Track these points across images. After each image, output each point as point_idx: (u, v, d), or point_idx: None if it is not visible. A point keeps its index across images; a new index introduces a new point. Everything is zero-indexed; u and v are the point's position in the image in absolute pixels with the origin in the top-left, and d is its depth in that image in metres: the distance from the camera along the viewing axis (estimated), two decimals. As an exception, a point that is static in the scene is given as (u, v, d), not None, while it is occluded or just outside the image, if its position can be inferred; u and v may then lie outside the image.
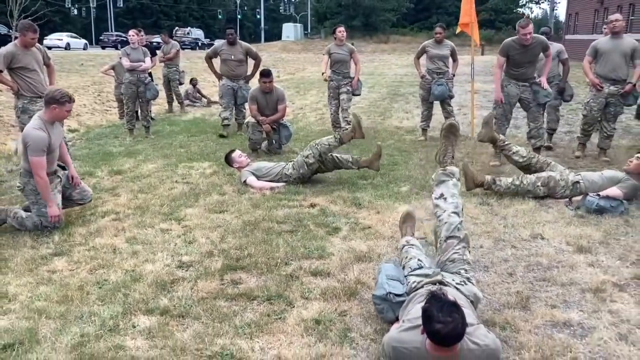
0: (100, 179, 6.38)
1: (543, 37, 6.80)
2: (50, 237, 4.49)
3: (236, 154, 6.14)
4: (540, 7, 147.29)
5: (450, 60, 8.55)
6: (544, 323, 3.13)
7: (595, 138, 7.40)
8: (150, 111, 9.82)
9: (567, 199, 5.24)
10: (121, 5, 59.26)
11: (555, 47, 7.60)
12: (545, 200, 5.32)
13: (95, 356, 2.79)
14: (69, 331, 3.03)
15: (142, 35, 9.67)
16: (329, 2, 50.36)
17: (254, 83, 8.43)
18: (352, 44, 9.48)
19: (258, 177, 5.96)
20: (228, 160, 6.18)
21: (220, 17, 67.01)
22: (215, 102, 11.87)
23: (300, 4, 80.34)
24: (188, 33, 55.26)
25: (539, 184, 5.33)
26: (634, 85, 6.80)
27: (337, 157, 6.03)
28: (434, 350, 2.51)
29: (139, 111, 9.30)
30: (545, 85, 6.77)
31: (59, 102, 4.60)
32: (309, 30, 56.69)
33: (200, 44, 48.19)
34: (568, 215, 4.95)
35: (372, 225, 4.73)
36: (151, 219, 4.93)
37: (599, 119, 7.06)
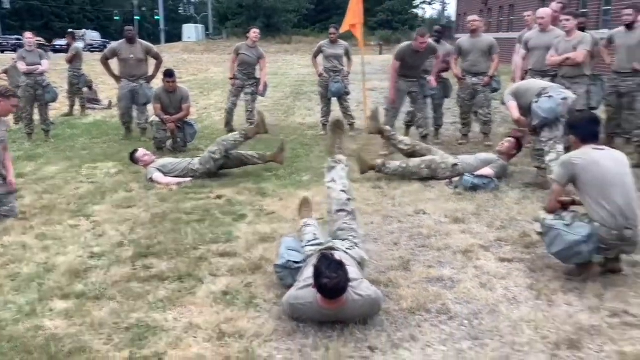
0: (1, 183, 6.31)
1: (433, 44, 7.50)
2: (-45, 238, 4.51)
3: (140, 152, 6.33)
4: (433, 8, 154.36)
5: (345, 59, 9.12)
6: (421, 280, 3.66)
7: (476, 127, 8.25)
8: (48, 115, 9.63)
9: (447, 180, 5.90)
10: (7, 6, 55.75)
11: (447, 47, 8.38)
12: (429, 182, 5.96)
13: (15, 337, 2.98)
14: (-15, 319, 3.18)
15: (37, 39, 9.50)
16: (229, 2, 50.17)
17: (155, 84, 8.60)
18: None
19: (164, 174, 6.17)
20: (133, 159, 6.36)
21: (117, 18, 64.76)
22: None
23: (200, 5, 79.30)
24: (83, 35, 53.05)
25: (423, 166, 5.96)
26: (492, 77, 7.70)
27: (243, 154, 6.38)
28: (324, 303, 2.95)
29: (39, 115, 9.12)
30: (433, 83, 7.55)
31: (4, 96, 4.69)
32: (211, 31, 56.15)
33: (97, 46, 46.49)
34: (448, 193, 5.60)
35: (276, 211, 5.12)
36: (59, 216, 5.04)
37: (474, 108, 7.91)
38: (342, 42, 9.08)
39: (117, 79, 8.78)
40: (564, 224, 3.44)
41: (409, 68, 7.37)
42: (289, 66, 27.05)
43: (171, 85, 7.66)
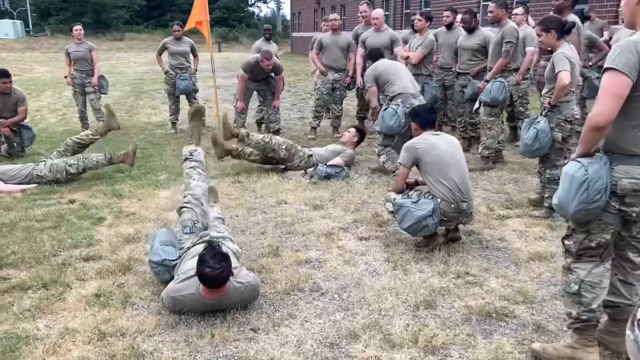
0: None
1: (278, 64, 7.83)
2: None
3: (-26, 159, 5.80)
4: (268, 7, 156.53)
5: (191, 55, 9.08)
6: (291, 263, 3.90)
7: (325, 122, 8.73)
8: None
9: (303, 171, 6.22)
10: None
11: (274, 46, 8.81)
12: (286, 174, 6.23)
13: None
14: None
15: None
16: (51, -4, 46.49)
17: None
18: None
19: (5, 181, 5.72)
20: (-35, 166, 5.81)
21: None
22: None
23: (16, -2, 72.11)
24: None
25: (284, 146, 6.19)
26: (352, 77, 8.22)
27: (92, 161, 6.04)
28: (206, 293, 3.05)
29: None
30: (277, 106, 8.12)
31: None
32: (31, 27, 51.43)
33: None
34: (304, 183, 5.92)
35: (136, 212, 5.03)
36: None
37: (329, 102, 8.38)
38: (187, 39, 9.03)
39: None
40: (412, 201, 3.90)
41: (254, 80, 7.87)
42: (125, 64, 25.92)
43: (6, 87, 7.06)
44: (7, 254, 4.05)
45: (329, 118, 8.95)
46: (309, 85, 12.88)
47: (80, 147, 6.22)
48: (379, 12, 7.73)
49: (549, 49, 4.56)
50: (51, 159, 6.04)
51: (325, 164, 6.13)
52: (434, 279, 3.61)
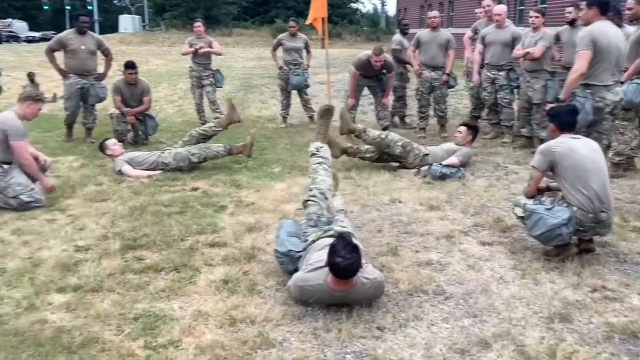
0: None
1: (389, 61, 7.74)
2: None
3: (110, 141, 6.26)
4: (371, 3, 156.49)
5: (305, 52, 9.21)
6: (412, 263, 3.83)
7: (432, 120, 8.54)
8: None
9: (416, 169, 6.10)
10: None
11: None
12: (398, 172, 6.15)
13: (21, 331, 2.92)
14: (-17, 314, 3.10)
15: None
16: (167, -7, 49.05)
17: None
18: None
19: (133, 167, 6.08)
20: (102, 147, 6.25)
21: (46, 8, 61.88)
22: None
23: (135, -5, 76.97)
24: (9, 25, 50.45)
25: (400, 143, 6.12)
26: (449, 74, 8.00)
27: (213, 151, 6.29)
28: (334, 284, 3.06)
29: None
30: (388, 104, 8.03)
31: (35, 100, 5.16)
32: (147, 22, 54.63)
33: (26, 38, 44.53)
34: (417, 182, 5.81)
35: (255, 202, 5.16)
36: (31, 211, 4.89)
37: (431, 102, 8.19)
38: (301, 35, 9.17)
39: (64, 73, 7.71)
40: (545, 208, 3.69)
41: (365, 77, 7.80)
42: (233, 59, 26.74)
43: (133, 77, 7.51)
44: (140, 236, 4.29)
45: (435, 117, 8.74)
46: (415, 83, 12.70)
47: (204, 138, 6.50)
48: (501, 8, 7.43)
49: None
50: (175, 147, 6.36)
51: (440, 164, 5.98)
52: (568, 291, 3.39)
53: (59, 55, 7.86)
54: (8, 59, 22.88)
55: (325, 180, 4.11)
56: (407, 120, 9.34)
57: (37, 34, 49.26)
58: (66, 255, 3.92)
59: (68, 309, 3.17)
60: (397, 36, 9.23)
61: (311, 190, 4.03)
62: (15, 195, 4.89)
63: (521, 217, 3.87)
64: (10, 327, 2.95)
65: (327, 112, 4.54)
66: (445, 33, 8.12)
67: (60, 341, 2.81)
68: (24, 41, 44.61)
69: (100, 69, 7.99)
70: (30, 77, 12.72)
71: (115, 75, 9.48)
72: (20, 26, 51.10)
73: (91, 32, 7.99)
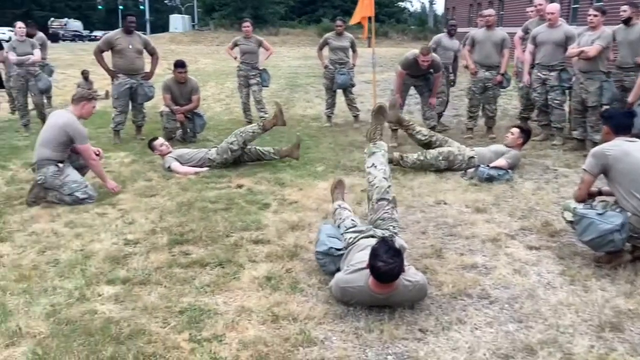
0: (15, 172, 6.30)
1: (437, 60, 7.56)
2: (-16, 226, 4.52)
3: (158, 142, 6.38)
4: (420, 1, 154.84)
5: (351, 51, 9.20)
6: (456, 266, 3.78)
7: (480, 121, 8.38)
8: (45, 104, 9.55)
9: (463, 171, 6.02)
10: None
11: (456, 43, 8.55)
12: (444, 173, 6.07)
13: (72, 320, 3.03)
14: (38, 303, 3.23)
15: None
16: (216, -7, 49.90)
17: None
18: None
19: (181, 163, 6.21)
20: (150, 146, 6.41)
21: (100, 7, 63.89)
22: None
23: (185, -5, 78.55)
24: (65, 24, 52.36)
25: (440, 158, 6.07)
26: (503, 74, 7.83)
27: (259, 149, 6.44)
28: (375, 287, 3.05)
29: (33, 105, 9.06)
30: (433, 103, 7.82)
31: (88, 99, 5.35)
32: (197, 22, 55.71)
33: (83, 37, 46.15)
34: (464, 184, 5.72)
35: (298, 200, 5.19)
36: (84, 205, 5.06)
37: (482, 101, 8.03)
38: (347, 34, 9.15)
39: (113, 74, 7.78)
40: (597, 213, 3.57)
41: (412, 76, 7.70)
42: (279, 58, 26.94)
43: (182, 76, 7.67)
44: (187, 231, 4.38)
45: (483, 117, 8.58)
46: (463, 82, 12.49)
47: (251, 138, 6.56)
48: (554, 7, 7.21)
49: None
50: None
51: (488, 166, 5.88)
52: (620, 300, 3.28)
53: (106, 55, 7.93)
54: (63, 57, 23.74)
55: (382, 184, 4.03)
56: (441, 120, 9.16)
57: (99, 33, 50.95)
58: (116, 249, 4.04)
59: (117, 301, 3.27)
60: (438, 35, 9.07)
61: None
62: (71, 192, 5.06)
63: (570, 222, 3.76)
64: (62, 317, 3.07)
65: (380, 111, 4.49)
66: (501, 32, 7.93)
67: (109, 331, 2.90)
68: (88, 40, 46.36)
69: (147, 68, 8.05)
70: (85, 74, 13.15)
71: (165, 74, 9.71)
72: (75, 25, 52.94)
73: (138, 32, 8.00)
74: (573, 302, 3.26)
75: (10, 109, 10.67)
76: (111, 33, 8.05)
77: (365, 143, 6.70)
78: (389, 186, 3.92)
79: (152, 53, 8.09)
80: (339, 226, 3.86)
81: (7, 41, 9.82)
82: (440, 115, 9.03)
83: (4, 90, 10.32)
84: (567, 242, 4.15)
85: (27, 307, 3.17)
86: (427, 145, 6.37)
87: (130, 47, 7.65)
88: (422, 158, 6.10)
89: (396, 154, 6.20)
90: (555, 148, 7.26)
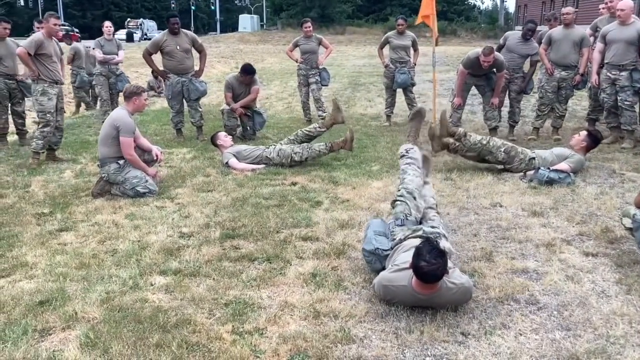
0: (84, 165, 6.66)
1: (500, 60, 7.35)
2: (54, 215, 4.81)
3: (222, 133, 6.66)
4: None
5: (412, 50, 9.12)
6: (506, 270, 3.69)
7: (546, 122, 8.10)
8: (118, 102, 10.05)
9: (522, 173, 5.84)
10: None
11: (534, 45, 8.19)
12: (502, 175, 5.92)
13: (124, 307, 3.19)
14: (94, 289, 3.41)
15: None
16: (284, -7, 50.60)
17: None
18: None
19: (239, 159, 6.37)
20: (214, 138, 6.63)
21: (173, 7, 66.17)
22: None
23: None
24: (140, 25, 54.50)
25: (502, 149, 5.89)
26: (582, 75, 7.51)
27: (313, 152, 6.41)
28: (418, 287, 3.03)
29: (110, 102, 9.56)
30: (496, 104, 7.64)
31: (137, 93, 5.49)
32: (265, 22, 56.71)
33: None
34: (522, 186, 5.56)
35: (350, 199, 5.22)
36: (144, 198, 5.29)
37: (553, 100, 7.75)
38: (409, 33, 9.08)
39: (164, 75, 7.88)
40: (658, 219, 3.40)
41: (473, 75, 7.58)
42: (344, 57, 27.03)
43: (247, 80, 7.95)
44: (239, 226, 4.50)
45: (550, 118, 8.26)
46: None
47: (308, 138, 6.69)
48: (626, 3, 6.86)
49: None
50: (281, 144, 6.59)
51: (549, 168, 5.68)
52: (679, 312, 3.11)
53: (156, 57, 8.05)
54: (136, 56, 24.72)
55: (414, 180, 4.06)
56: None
57: None
58: (170, 241, 4.21)
59: (167, 291, 3.41)
60: (508, 32, 8.76)
61: (399, 190, 4.01)
62: (132, 187, 5.31)
63: (629, 229, 3.60)
64: (115, 304, 3.23)
65: (418, 114, 4.48)
66: (580, 30, 7.56)
67: (157, 320, 3.03)
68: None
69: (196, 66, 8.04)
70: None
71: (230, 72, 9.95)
72: (150, 25, 55.03)
73: (184, 30, 7.94)
74: (627, 312, 3.11)
75: (85, 106, 11.29)
76: (158, 35, 8.14)
77: (424, 143, 6.67)
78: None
79: (200, 50, 8.02)
80: (394, 202, 3.92)
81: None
82: (514, 125, 8.52)
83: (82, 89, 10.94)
84: (628, 249, 3.96)
85: (84, 294, 3.36)
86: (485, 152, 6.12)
87: (178, 47, 7.70)
88: (484, 142, 5.92)
89: (461, 129, 6.08)
90: (624, 151, 6.93)
